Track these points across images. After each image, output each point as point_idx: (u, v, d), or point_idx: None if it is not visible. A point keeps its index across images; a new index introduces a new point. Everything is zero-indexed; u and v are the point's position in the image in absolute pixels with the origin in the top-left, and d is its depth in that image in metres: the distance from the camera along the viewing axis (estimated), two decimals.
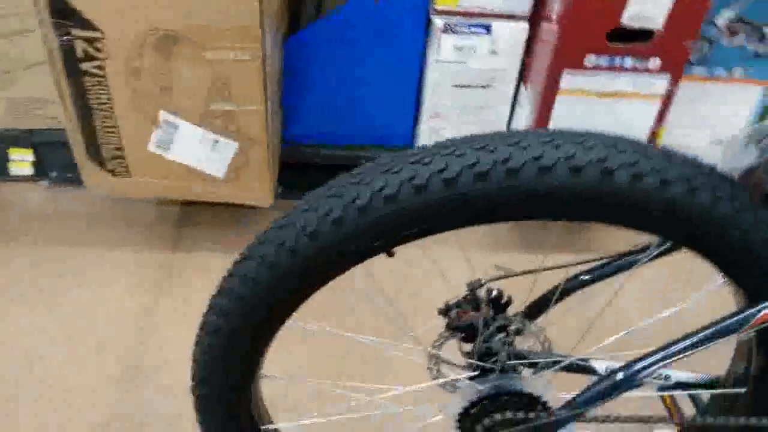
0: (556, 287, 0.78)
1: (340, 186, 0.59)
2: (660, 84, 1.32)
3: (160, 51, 1.17)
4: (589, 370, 0.82)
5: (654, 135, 1.42)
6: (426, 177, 0.56)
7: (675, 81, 1.33)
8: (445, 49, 1.38)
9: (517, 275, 0.80)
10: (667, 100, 1.35)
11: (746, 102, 1.46)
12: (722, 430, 0.83)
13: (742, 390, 0.79)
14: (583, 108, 1.34)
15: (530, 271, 0.80)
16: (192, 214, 1.62)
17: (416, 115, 1.56)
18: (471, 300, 0.79)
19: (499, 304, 0.78)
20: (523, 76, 1.45)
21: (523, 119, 1.45)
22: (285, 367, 1.21)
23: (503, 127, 1.52)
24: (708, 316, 0.67)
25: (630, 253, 0.79)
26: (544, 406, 0.77)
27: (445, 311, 0.81)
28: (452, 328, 0.79)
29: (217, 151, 1.32)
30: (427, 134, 1.54)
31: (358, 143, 1.60)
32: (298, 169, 1.59)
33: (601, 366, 0.83)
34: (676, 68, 1.30)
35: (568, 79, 1.31)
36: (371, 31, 1.41)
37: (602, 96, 1.34)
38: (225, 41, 1.15)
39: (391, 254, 0.64)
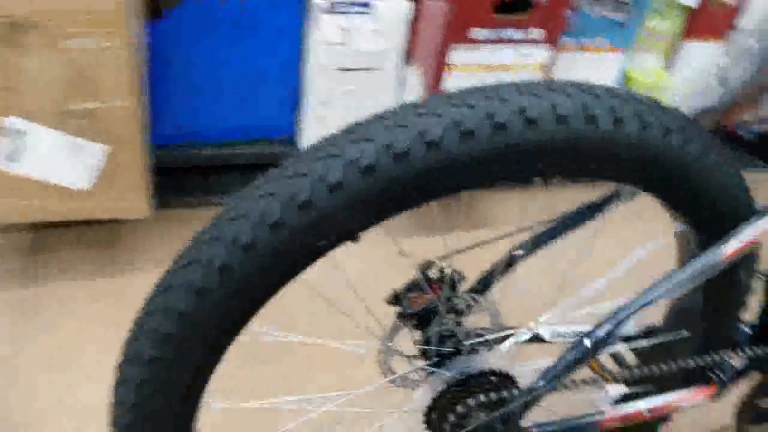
0: (510, 257, 0.75)
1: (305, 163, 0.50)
2: (542, 54, 1.35)
3: (5, 43, 0.98)
4: (545, 339, 0.80)
5: None
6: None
7: (554, 51, 1.36)
8: (326, 31, 1.30)
9: (466, 249, 0.75)
10: (549, 70, 1.39)
11: (610, 68, 1.55)
12: (659, 378, 0.84)
13: (685, 332, 0.80)
14: (472, 82, 1.33)
15: (478, 245, 0.76)
16: (47, 238, 1.40)
17: (297, 104, 1.47)
18: (422, 283, 0.73)
19: (453, 283, 0.73)
20: (408, 56, 1.41)
21: (413, 99, 1.42)
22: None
23: None
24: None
25: (571, 213, 0.77)
26: (513, 382, 0.73)
27: (395, 299, 0.75)
28: (406, 316, 0.73)
29: (79, 158, 1.14)
30: (312, 122, 1.46)
31: (234, 139, 1.48)
32: (172, 174, 1.43)
33: (551, 331, 0.82)
34: (555, 38, 1.33)
35: (455, 54, 1.30)
36: (243, 15, 1.29)
37: (489, 69, 1.34)
38: (85, 27, 0.98)
39: (356, 239, 0.56)
